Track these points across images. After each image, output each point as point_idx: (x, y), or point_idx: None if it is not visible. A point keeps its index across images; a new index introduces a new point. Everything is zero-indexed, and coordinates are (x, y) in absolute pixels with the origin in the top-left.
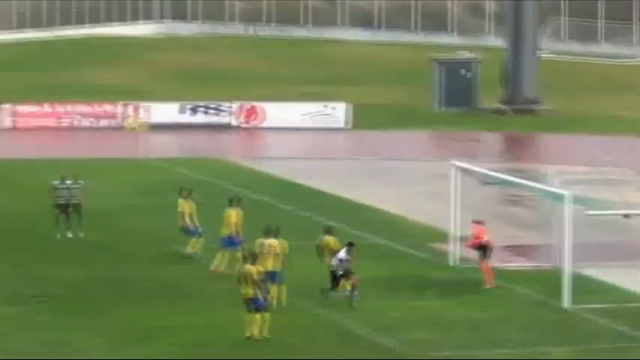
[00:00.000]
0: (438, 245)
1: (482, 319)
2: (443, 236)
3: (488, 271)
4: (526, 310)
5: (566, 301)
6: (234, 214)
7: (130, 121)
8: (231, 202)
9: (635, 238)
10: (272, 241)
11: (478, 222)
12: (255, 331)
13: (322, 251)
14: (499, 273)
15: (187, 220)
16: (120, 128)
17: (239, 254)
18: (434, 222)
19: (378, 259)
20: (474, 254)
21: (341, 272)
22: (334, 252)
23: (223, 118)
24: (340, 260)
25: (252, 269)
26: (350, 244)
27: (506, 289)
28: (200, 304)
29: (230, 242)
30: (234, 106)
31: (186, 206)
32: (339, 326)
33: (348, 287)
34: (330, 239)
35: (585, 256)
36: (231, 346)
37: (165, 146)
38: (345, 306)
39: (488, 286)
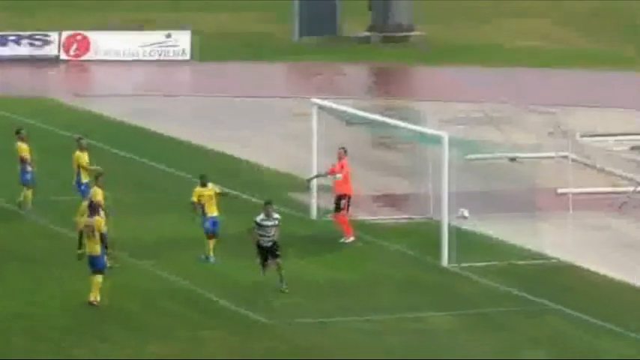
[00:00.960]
0: (297, 196)
1: (349, 280)
2: (303, 185)
3: (345, 223)
4: (399, 269)
5: (445, 259)
6: (81, 158)
7: None
8: (79, 142)
9: (522, 184)
10: (96, 190)
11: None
12: (98, 296)
13: (196, 207)
14: (367, 227)
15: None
16: None
17: (85, 203)
18: (293, 169)
19: (229, 213)
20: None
21: (273, 240)
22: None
23: (50, 51)
24: (260, 226)
25: (102, 221)
26: (267, 203)
27: (376, 245)
28: (25, 266)
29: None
30: (63, 36)
31: (24, 150)
32: (186, 291)
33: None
34: (202, 190)
35: (466, 207)
36: (57, 315)
37: None
38: (192, 268)
39: (349, 239)
